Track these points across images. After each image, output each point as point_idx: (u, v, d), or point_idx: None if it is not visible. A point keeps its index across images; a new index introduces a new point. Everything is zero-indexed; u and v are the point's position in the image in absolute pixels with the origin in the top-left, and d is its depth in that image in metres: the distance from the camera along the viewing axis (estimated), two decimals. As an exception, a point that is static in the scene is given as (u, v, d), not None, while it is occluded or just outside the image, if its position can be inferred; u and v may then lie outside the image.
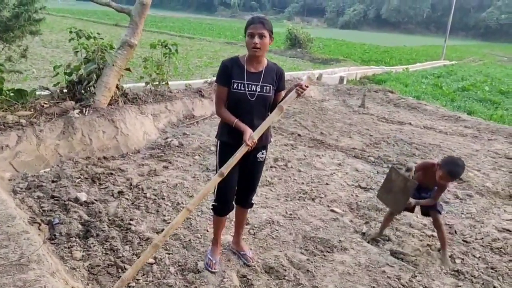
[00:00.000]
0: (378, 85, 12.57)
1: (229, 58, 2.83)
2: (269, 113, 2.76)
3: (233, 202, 3.06)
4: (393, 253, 3.51)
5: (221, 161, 2.80)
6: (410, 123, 8.07)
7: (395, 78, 14.44)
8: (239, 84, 2.71)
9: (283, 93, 2.84)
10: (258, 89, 2.72)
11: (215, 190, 2.89)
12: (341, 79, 12.53)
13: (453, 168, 3.23)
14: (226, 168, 2.60)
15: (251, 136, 2.59)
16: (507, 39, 51.85)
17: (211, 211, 3.09)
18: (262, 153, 2.92)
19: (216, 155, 2.93)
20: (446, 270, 3.32)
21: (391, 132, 7.32)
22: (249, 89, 2.72)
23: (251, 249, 3.34)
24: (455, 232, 3.95)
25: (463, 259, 3.50)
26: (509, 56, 31.37)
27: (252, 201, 3.17)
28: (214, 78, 8.90)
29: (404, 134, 7.21)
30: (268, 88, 2.75)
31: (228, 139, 2.81)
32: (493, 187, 5.09)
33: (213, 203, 3.00)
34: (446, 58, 24.21)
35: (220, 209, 2.98)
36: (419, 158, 5.98)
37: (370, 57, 21.32)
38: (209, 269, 3.00)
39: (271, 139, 3.11)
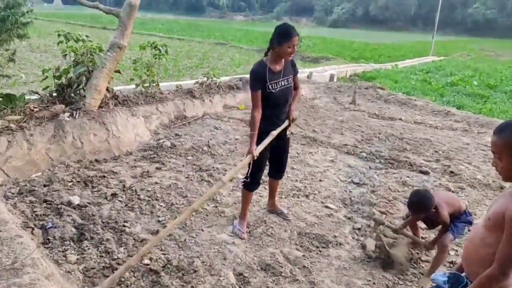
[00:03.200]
0: (368, 82, 12.64)
1: (257, 64, 3.33)
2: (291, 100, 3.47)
3: (263, 178, 3.67)
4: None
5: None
6: (400, 119, 8.13)
7: (385, 75, 14.53)
8: (272, 84, 3.27)
9: (297, 78, 3.52)
10: (285, 83, 3.34)
11: (249, 170, 3.37)
12: (332, 77, 12.58)
13: (408, 199, 3.16)
14: (227, 178, 3.20)
15: (254, 151, 3.21)
16: (494, 34, 52.37)
17: (242, 187, 3.59)
18: (289, 131, 3.60)
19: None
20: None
21: (382, 127, 7.37)
22: (280, 85, 3.31)
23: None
24: (448, 224, 3.99)
25: (456, 250, 3.54)
26: (496, 51, 31.73)
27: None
28: (205, 79, 8.76)
29: (395, 130, 7.27)
30: (290, 79, 3.39)
31: (267, 128, 3.33)
32: (484, 179, 5.15)
33: (245, 180, 3.50)
34: (434, 54, 24.40)
35: (251, 185, 3.53)
36: (411, 152, 6.03)
37: (359, 54, 21.41)
38: (240, 236, 3.50)
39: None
